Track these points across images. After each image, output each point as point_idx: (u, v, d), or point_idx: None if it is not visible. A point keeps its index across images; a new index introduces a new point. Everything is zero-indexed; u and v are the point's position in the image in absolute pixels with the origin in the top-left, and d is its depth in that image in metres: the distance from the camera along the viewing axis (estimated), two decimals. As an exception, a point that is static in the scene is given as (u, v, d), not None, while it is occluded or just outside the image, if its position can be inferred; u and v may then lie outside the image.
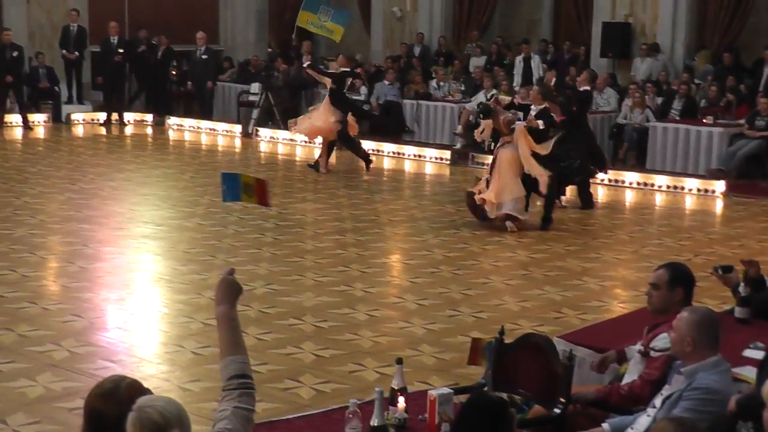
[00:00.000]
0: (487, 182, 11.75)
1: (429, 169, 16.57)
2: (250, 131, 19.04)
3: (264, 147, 18.38)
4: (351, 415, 4.88)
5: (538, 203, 12.15)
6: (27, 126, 19.00)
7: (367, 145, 17.38)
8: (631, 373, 5.06)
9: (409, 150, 17.27)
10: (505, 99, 12.80)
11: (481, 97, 16.78)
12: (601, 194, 14.44)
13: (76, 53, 20.14)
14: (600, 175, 14.38)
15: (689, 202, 14.30)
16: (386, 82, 18.89)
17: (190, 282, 9.23)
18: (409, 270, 10.04)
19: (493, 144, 12.15)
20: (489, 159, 12.66)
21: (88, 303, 8.55)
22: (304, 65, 16.81)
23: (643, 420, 4.56)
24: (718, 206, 14.04)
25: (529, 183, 11.72)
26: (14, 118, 19.11)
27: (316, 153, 16.22)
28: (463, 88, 18.71)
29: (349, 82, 15.58)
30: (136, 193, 13.62)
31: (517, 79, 18.72)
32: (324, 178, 15.08)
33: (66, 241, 10.73)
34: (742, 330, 5.72)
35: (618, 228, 12.32)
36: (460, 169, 16.07)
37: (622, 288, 9.63)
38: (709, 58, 18.00)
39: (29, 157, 16.51)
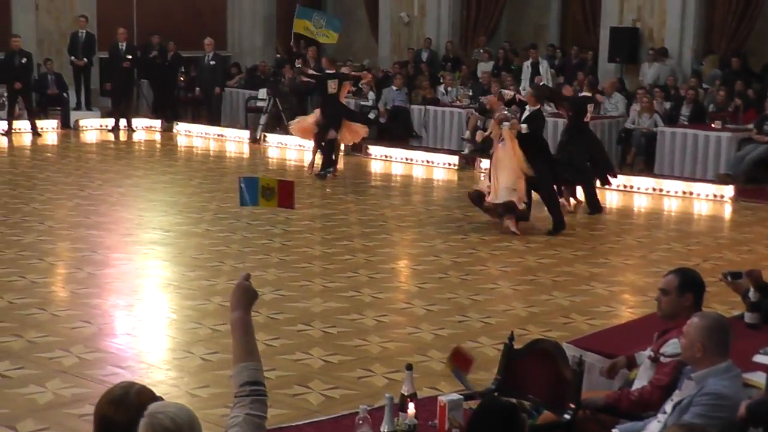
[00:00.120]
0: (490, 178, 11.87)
1: (437, 174, 16.56)
2: (258, 137, 19.06)
3: (272, 153, 18.40)
4: (361, 422, 4.87)
5: (546, 211, 12.15)
6: (36, 132, 19.04)
7: (378, 150, 17.45)
8: (641, 379, 5.05)
9: (419, 156, 17.27)
10: (508, 93, 12.86)
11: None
12: (608, 199, 14.41)
13: (85, 59, 20.19)
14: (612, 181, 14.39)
15: (697, 207, 14.26)
16: (394, 88, 18.90)
17: (198, 288, 9.23)
18: (418, 275, 10.03)
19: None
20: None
21: (96, 309, 8.56)
22: (295, 72, 16.93)
23: (654, 426, 4.56)
24: (727, 211, 14.01)
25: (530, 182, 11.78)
26: (23, 125, 19.15)
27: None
28: (470, 94, 18.71)
29: (334, 85, 15.44)
30: (144, 199, 13.64)
31: (525, 84, 18.71)
32: (331, 183, 15.09)
33: (74, 248, 10.75)
34: (752, 335, 5.71)
35: (626, 233, 12.30)
36: (468, 175, 16.06)
37: (630, 293, 9.61)
38: (717, 63, 17.98)
39: (38, 164, 16.54)
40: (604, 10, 19.06)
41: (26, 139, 18.82)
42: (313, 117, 15.60)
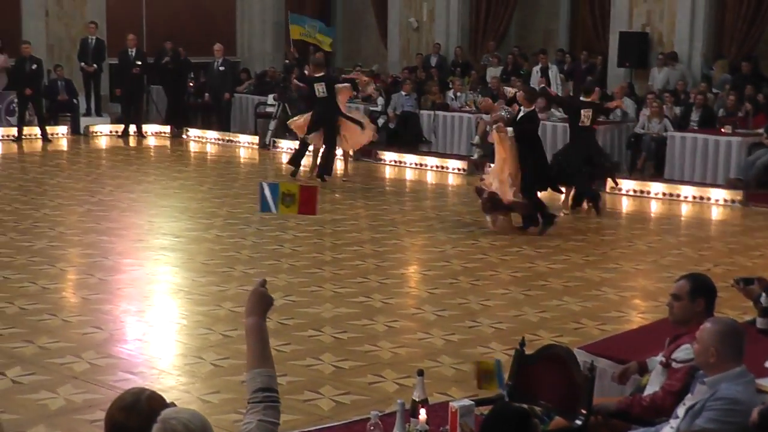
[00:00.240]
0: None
1: (448, 179, 16.56)
2: (267, 142, 19.09)
3: (282, 158, 18.40)
4: (372, 427, 4.87)
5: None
6: (46, 138, 19.09)
7: (387, 156, 17.46)
8: (653, 385, 5.04)
9: (429, 161, 17.27)
10: (510, 90, 12.98)
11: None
12: (616, 204, 14.41)
13: (95, 66, 20.24)
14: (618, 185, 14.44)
15: (708, 212, 14.24)
16: (403, 93, 18.90)
17: (208, 293, 9.24)
18: (428, 281, 10.03)
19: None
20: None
21: (107, 315, 8.57)
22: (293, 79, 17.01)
23: (666, 431, 4.54)
24: (737, 216, 13.97)
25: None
26: (33, 131, 19.20)
27: (340, 165, 16.45)
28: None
29: (321, 89, 15.39)
30: (154, 205, 13.67)
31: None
32: (341, 190, 15.11)
33: (85, 253, 10.77)
34: (764, 341, 5.70)
35: (637, 238, 12.28)
36: (477, 180, 16.03)
37: (641, 298, 9.59)
38: (727, 68, 17.95)
39: (48, 170, 16.59)
40: (613, 15, 19.05)
41: (37, 145, 18.87)
42: (306, 117, 15.76)
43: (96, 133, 20.15)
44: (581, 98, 13.86)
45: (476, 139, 17.43)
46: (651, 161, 16.23)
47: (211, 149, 19.43)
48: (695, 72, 18.27)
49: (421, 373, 5.07)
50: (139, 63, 20.06)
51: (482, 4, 21.13)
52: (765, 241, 12.11)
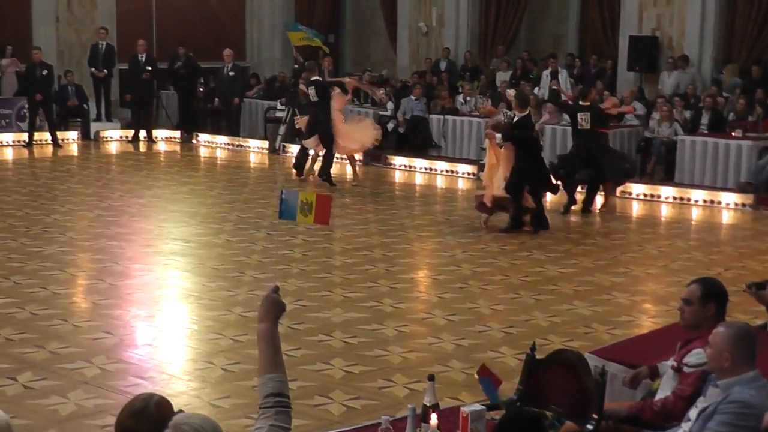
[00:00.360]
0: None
1: (457, 184, 16.55)
2: (277, 147, 19.11)
3: (292, 163, 18.39)
4: (383, 432, 4.87)
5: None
6: (56, 144, 19.14)
7: (397, 160, 17.48)
8: (664, 389, 5.03)
9: (438, 165, 17.26)
10: (511, 94, 13.11)
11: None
12: (627, 208, 14.39)
13: (105, 71, 20.29)
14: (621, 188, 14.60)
15: (718, 216, 14.20)
16: (413, 98, 18.90)
17: (218, 298, 9.25)
18: (438, 285, 10.02)
19: None
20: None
21: (118, 320, 8.59)
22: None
23: (678, 434, 4.54)
24: (748, 220, 13.94)
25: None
26: (44, 136, 19.25)
27: (348, 169, 16.56)
28: (489, 103, 18.68)
29: (312, 93, 15.67)
30: (164, 210, 13.69)
31: (544, 92, 18.73)
32: (350, 194, 15.12)
33: (95, 258, 10.79)
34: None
35: (647, 242, 12.25)
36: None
37: (651, 303, 9.58)
38: (737, 72, 17.91)
39: (59, 175, 16.63)
40: (623, 19, 19.03)
41: (47, 151, 18.92)
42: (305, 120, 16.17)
43: (106, 138, 20.19)
44: (579, 102, 14.00)
45: (486, 144, 17.42)
46: (661, 165, 16.20)
47: (220, 154, 19.46)
48: (705, 76, 18.24)
49: (432, 378, 5.07)
50: (149, 68, 20.10)
51: (491, 9, 21.14)
52: (776, 245, 12.08)
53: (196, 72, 21.25)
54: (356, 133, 15.76)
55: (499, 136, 12.34)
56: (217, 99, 21.05)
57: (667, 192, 14.95)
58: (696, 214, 14.31)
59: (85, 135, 19.99)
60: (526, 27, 21.78)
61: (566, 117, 16.53)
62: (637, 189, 15.06)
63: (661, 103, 16.62)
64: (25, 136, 19.06)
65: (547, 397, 5.20)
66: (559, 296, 9.59)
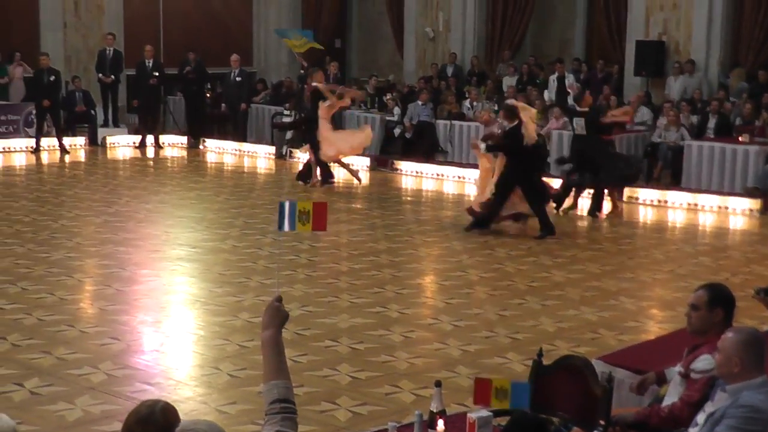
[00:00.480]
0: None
1: (464, 189, 16.53)
2: (284, 153, 19.12)
3: (298, 168, 18.40)
4: (389, 438, 4.87)
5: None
6: (64, 149, 19.16)
7: (403, 165, 17.47)
8: (672, 395, 5.02)
9: (445, 170, 17.26)
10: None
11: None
12: (633, 213, 14.37)
13: (112, 77, 20.32)
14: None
15: (725, 221, 14.17)
16: (419, 103, 18.91)
17: (225, 304, 9.25)
18: (445, 291, 10.02)
19: None
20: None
21: (124, 326, 8.59)
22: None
23: (686, 439, 4.53)
24: (755, 225, 13.91)
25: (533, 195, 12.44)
26: (51, 142, 19.29)
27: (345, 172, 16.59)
28: (496, 108, 18.68)
29: (307, 98, 16.20)
30: (171, 216, 13.70)
31: (552, 96, 18.75)
32: (357, 199, 15.12)
33: (102, 264, 10.80)
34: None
35: (653, 247, 12.24)
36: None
37: (658, 308, 9.56)
38: (744, 76, 17.89)
39: (66, 181, 16.66)
40: (629, 24, 19.02)
41: (54, 157, 18.95)
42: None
43: (113, 144, 20.22)
44: (576, 108, 14.21)
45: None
46: (668, 170, 16.19)
47: (227, 160, 19.48)
48: (712, 80, 18.22)
49: (438, 384, 5.07)
50: (156, 74, 20.13)
51: (498, 14, 21.14)
52: (783, 250, 12.06)
53: (205, 77, 21.28)
54: (340, 141, 15.81)
55: (483, 146, 12.64)
56: (223, 104, 21.08)
57: (673, 197, 14.92)
58: (703, 219, 14.28)
59: (92, 141, 20.02)
60: (533, 32, 21.77)
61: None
62: (643, 194, 15.04)
63: (668, 107, 16.61)
64: (32, 142, 19.10)
65: (554, 403, 5.19)
66: (566, 302, 9.58)
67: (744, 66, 18.07)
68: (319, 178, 15.99)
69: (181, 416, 3.43)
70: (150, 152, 19.93)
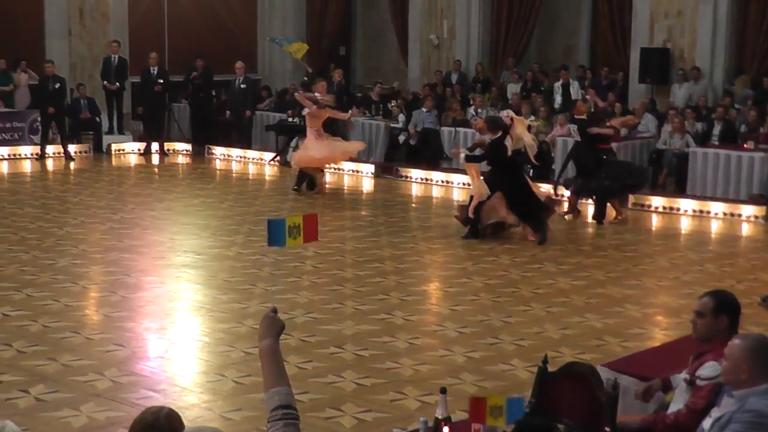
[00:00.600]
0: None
1: (468, 196, 16.52)
2: (288, 159, 19.11)
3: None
4: (394, 445, 4.87)
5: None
6: (69, 156, 19.19)
7: (410, 173, 17.49)
8: (677, 402, 5.02)
9: (450, 177, 17.26)
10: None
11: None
12: (638, 220, 14.36)
13: (117, 84, 20.36)
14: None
15: (730, 228, 14.15)
16: (424, 110, 18.92)
17: (230, 311, 9.26)
18: (449, 297, 10.02)
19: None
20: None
21: (130, 332, 8.60)
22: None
23: (692, 446, 4.52)
24: (760, 231, 13.89)
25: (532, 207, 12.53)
26: (56, 149, 19.32)
27: (364, 182, 16.64)
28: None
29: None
30: (176, 223, 13.72)
31: (557, 105, 18.77)
32: (366, 208, 15.13)
33: (108, 271, 10.82)
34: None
35: (658, 254, 12.23)
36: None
37: (663, 315, 9.55)
38: (749, 83, 17.88)
39: (71, 188, 16.68)
40: (634, 31, 19.02)
41: (59, 164, 18.98)
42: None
43: (118, 151, 20.25)
44: (575, 116, 14.31)
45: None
46: (673, 177, 16.18)
47: (232, 166, 19.49)
48: (717, 87, 18.21)
49: (444, 390, 5.06)
50: (161, 81, 20.16)
51: (502, 21, 21.15)
52: (788, 257, 12.04)
53: (211, 84, 21.31)
54: (316, 149, 15.81)
55: (462, 155, 13.12)
56: (228, 111, 21.11)
57: (678, 204, 14.90)
58: (707, 226, 14.27)
59: (97, 148, 20.05)
60: (537, 39, 21.78)
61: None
62: (648, 201, 15.02)
63: (673, 114, 16.61)
64: (37, 149, 19.13)
65: (559, 410, 5.18)
66: (571, 308, 9.58)
67: (749, 73, 18.06)
68: (297, 186, 16.14)
69: (186, 423, 3.44)
70: (155, 159, 19.95)
